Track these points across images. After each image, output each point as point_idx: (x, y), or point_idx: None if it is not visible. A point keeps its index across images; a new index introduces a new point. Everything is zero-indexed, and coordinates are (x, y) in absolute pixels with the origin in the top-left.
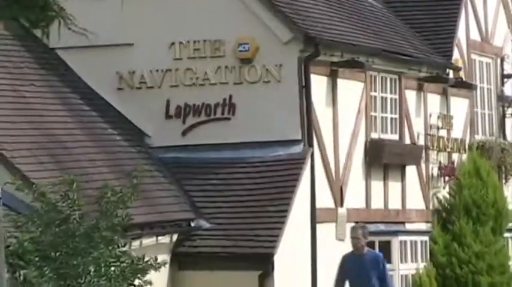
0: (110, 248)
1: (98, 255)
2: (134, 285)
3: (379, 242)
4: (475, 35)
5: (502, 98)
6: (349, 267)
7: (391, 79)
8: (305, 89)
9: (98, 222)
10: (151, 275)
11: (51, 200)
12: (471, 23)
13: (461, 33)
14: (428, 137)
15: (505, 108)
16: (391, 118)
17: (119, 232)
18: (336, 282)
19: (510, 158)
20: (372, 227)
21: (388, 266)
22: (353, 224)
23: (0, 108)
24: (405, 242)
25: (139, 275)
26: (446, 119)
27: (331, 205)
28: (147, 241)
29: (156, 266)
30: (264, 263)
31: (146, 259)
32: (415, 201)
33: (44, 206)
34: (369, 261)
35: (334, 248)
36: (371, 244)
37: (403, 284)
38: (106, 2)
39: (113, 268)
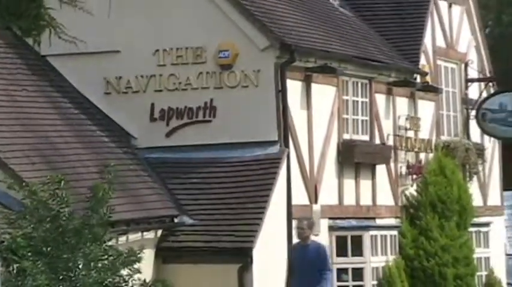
0: (98, 243)
1: (87, 250)
2: (122, 275)
3: (351, 236)
4: (440, 42)
5: (466, 101)
6: (296, 256)
7: (362, 84)
8: (281, 93)
9: (87, 219)
10: (137, 266)
11: (42, 198)
12: (437, 31)
13: (427, 40)
14: (397, 137)
15: (469, 111)
16: (362, 120)
17: (106, 228)
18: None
19: (474, 157)
20: (344, 223)
21: (359, 259)
22: (327, 220)
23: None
24: (376, 236)
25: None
26: (414, 120)
27: (306, 201)
28: (133, 237)
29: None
30: (243, 257)
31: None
32: (385, 198)
33: (35, 203)
34: (312, 251)
35: None
36: (343, 240)
37: (374, 276)
38: (94, 11)
39: (101, 262)
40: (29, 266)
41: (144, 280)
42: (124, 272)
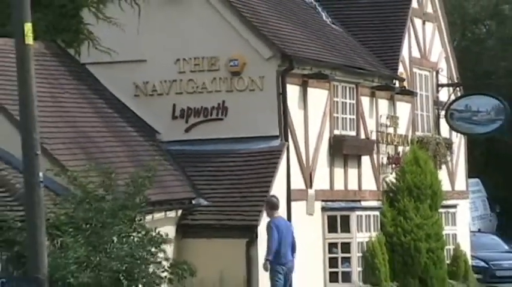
0: (129, 222)
1: (120, 228)
2: (150, 250)
3: (340, 216)
4: (415, 53)
5: (437, 102)
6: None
7: (349, 88)
8: (282, 95)
9: (123, 201)
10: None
11: (82, 183)
12: (413, 44)
13: (405, 52)
14: (379, 133)
15: (439, 111)
16: (350, 118)
17: (139, 209)
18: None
19: (443, 150)
20: (334, 205)
21: (347, 235)
22: (320, 202)
23: (41, 111)
24: (361, 216)
25: (157, 246)
26: (393, 119)
27: (303, 186)
28: (158, 216)
29: (167, 240)
30: (249, 233)
31: (160, 232)
32: (369, 184)
33: (76, 188)
34: None
35: (305, 220)
36: (333, 219)
37: (359, 249)
38: (125, 26)
39: (131, 238)
40: (70, 241)
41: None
42: (152, 248)
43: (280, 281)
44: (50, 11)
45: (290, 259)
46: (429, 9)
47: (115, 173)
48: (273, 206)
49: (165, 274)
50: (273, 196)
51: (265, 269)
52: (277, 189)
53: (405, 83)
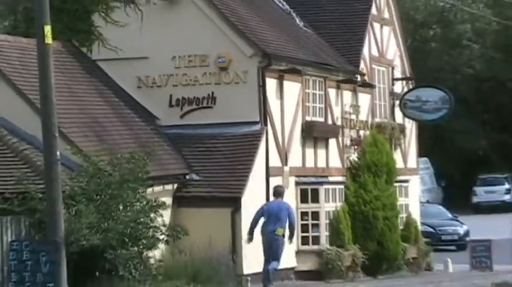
0: (133, 193)
1: (125, 198)
2: (150, 216)
3: (311, 189)
4: (374, 52)
5: (392, 94)
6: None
7: (319, 81)
8: (262, 87)
9: (127, 176)
10: (161, 212)
11: (94, 161)
12: (372, 44)
13: (365, 51)
14: (344, 119)
15: (394, 101)
16: (319, 107)
17: (141, 182)
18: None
19: (397, 134)
20: (306, 179)
21: (316, 205)
22: (294, 177)
23: (59, 100)
24: (328, 189)
25: (154, 211)
26: (355, 107)
27: (279, 164)
28: (157, 189)
29: (165, 207)
30: (234, 203)
31: (159, 201)
32: (335, 162)
33: (88, 165)
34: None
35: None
36: (305, 191)
37: (327, 217)
38: (130, 28)
39: (134, 206)
40: (83, 209)
41: (167, 224)
42: (152, 215)
43: (264, 247)
44: (65, 16)
45: (271, 231)
46: (386, 15)
47: (120, 152)
48: (274, 193)
49: (163, 236)
50: (281, 186)
51: (247, 241)
52: (258, 166)
53: (365, 77)
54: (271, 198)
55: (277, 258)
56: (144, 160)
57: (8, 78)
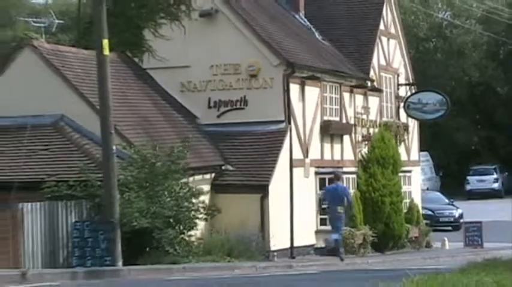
0: (176, 182)
1: (169, 186)
2: (192, 202)
3: (328, 178)
4: (382, 61)
5: (397, 97)
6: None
7: (335, 86)
8: (286, 92)
9: (171, 167)
10: (202, 198)
11: (143, 154)
12: (380, 54)
13: (375, 60)
14: (356, 119)
15: (399, 103)
16: (335, 108)
17: (183, 173)
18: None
19: (402, 131)
20: (324, 170)
21: None
22: (314, 168)
23: (114, 102)
24: (344, 177)
25: (197, 198)
26: (366, 109)
27: (301, 157)
28: (198, 177)
29: (203, 192)
30: (263, 190)
31: (199, 188)
32: (348, 155)
33: (138, 157)
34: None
35: (302, 181)
36: (323, 180)
37: None
38: (174, 41)
39: (178, 193)
40: (134, 195)
41: (204, 202)
42: (193, 200)
43: (331, 223)
44: (120, 31)
45: (334, 209)
46: (392, 30)
47: (165, 146)
48: (334, 177)
49: (202, 215)
50: (339, 171)
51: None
52: (283, 159)
53: (375, 83)
54: (336, 182)
55: (339, 230)
56: (184, 152)
57: (72, 84)
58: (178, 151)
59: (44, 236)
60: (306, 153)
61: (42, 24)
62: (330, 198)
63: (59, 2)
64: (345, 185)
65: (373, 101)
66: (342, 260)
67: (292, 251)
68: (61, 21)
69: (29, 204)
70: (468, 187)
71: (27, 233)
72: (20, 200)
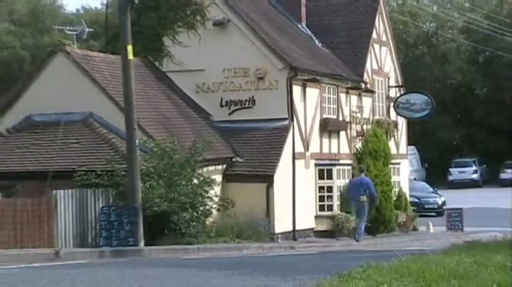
0: (192, 172)
1: (186, 175)
2: (205, 189)
3: (326, 169)
4: (375, 66)
5: (388, 97)
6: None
7: (332, 88)
8: (289, 92)
9: (188, 159)
10: (213, 187)
11: (162, 147)
12: (373, 60)
13: (368, 65)
14: (351, 117)
15: (390, 103)
16: (333, 107)
17: (197, 163)
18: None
19: (392, 127)
20: (323, 162)
21: (330, 181)
22: (314, 160)
23: (137, 101)
24: (339, 169)
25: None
26: (360, 108)
27: (302, 150)
28: (211, 168)
29: (215, 183)
30: (268, 179)
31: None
32: (344, 149)
33: (158, 150)
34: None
35: (303, 172)
36: (322, 171)
37: (338, 190)
38: (190, 47)
39: (193, 181)
40: (155, 183)
41: (218, 195)
42: (206, 188)
43: (353, 209)
44: (143, 38)
45: (357, 198)
46: (384, 39)
47: (182, 140)
48: (359, 170)
49: (215, 205)
50: (362, 164)
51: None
52: (286, 152)
53: (368, 85)
54: (360, 174)
55: (362, 218)
56: (202, 147)
57: (100, 85)
58: (198, 148)
59: (74, 219)
60: (306, 147)
61: (74, 32)
62: (354, 188)
63: (89, 12)
64: (368, 178)
65: (367, 101)
66: (356, 240)
67: (294, 234)
68: (91, 30)
69: (62, 191)
70: (450, 178)
71: (60, 217)
72: (54, 187)
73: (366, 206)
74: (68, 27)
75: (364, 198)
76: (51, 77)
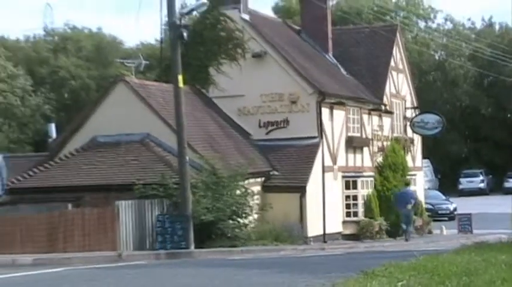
0: (235, 185)
1: (230, 188)
2: (247, 199)
3: (351, 180)
4: (393, 90)
5: (405, 117)
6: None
7: (356, 109)
8: (319, 114)
9: (232, 174)
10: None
11: (210, 163)
12: (391, 84)
13: (387, 89)
14: (373, 134)
15: (407, 122)
16: (356, 126)
17: (241, 178)
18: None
19: (409, 144)
20: (349, 174)
21: (355, 190)
22: (341, 172)
23: (187, 124)
24: (363, 180)
25: (250, 197)
26: (380, 127)
27: (331, 164)
28: (252, 180)
29: (254, 194)
30: (301, 190)
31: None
32: (367, 162)
33: (206, 165)
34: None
35: (332, 183)
36: (348, 182)
37: (362, 199)
38: (232, 76)
39: (236, 193)
40: (203, 195)
41: (258, 204)
42: (248, 198)
43: (403, 218)
44: (191, 69)
45: (404, 207)
46: (400, 66)
47: (226, 157)
48: (405, 183)
49: (255, 212)
50: (408, 179)
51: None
52: (316, 165)
53: (387, 107)
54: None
55: (409, 223)
56: (247, 166)
57: (155, 110)
58: (244, 165)
59: (134, 226)
60: (334, 161)
61: (132, 65)
62: (402, 198)
63: (146, 47)
64: (411, 189)
65: (386, 120)
66: (406, 240)
67: (324, 237)
68: (147, 62)
69: (123, 202)
70: (460, 187)
71: (122, 224)
72: (116, 198)
73: (412, 212)
74: (127, 61)
75: (410, 206)
76: (113, 104)
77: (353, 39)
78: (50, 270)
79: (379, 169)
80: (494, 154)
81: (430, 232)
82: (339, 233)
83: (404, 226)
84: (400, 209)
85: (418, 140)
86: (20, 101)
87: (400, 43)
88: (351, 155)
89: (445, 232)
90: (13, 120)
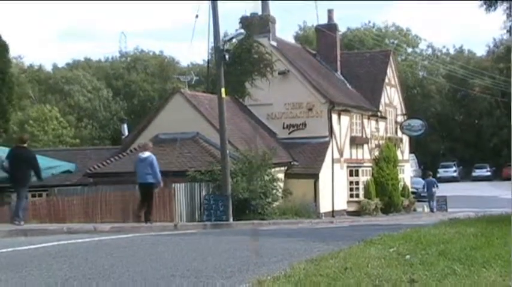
0: (264, 171)
1: (260, 174)
2: (274, 184)
3: (354, 169)
4: (386, 100)
5: (396, 122)
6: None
7: (358, 115)
8: (329, 119)
9: (262, 163)
10: (280, 183)
11: (245, 155)
12: (385, 96)
13: (382, 100)
14: (371, 135)
15: (398, 125)
16: (358, 129)
17: (268, 166)
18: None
19: (399, 142)
20: (352, 165)
21: (357, 177)
22: (346, 163)
23: (228, 125)
24: (363, 169)
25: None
26: (377, 129)
27: (338, 157)
28: (277, 169)
29: (279, 180)
30: (315, 177)
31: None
32: (367, 156)
33: (242, 157)
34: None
35: (339, 171)
36: (351, 171)
37: (363, 183)
38: (263, 88)
39: (265, 178)
40: (239, 179)
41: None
42: (274, 183)
43: (429, 197)
44: (232, 83)
45: (430, 190)
46: (393, 82)
47: (258, 151)
48: (427, 173)
49: (280, 194)
50: (429, 172)
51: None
52: (327, 158)
53: (382, 114)
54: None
55: (433, 200)
56: (271, 156)
57: (203, 114)
58: (269, 155)
59: (186, 203)
60: (341, 154)
61: (186, 80)
62: (429, 184)
63: (196, 66)
64: (432, 178)
65: (381, 124)
66: (432, 211)
67: (333, 213)
68: (197, 78)
69: (178, 184)
70: (438, 175)
71: (177, 201)
72: (173, 182)
73: (435, 193)
74: (182, 76)
75: (434, 190)
76: (171, 110)
77: (357, 61)
78: (123, 235)
79: (376, 161)
80: (465, 151)
81: (414, 210)
82: (344, 210)
83: (430, 203)
84: (428, 191)
85: (406, 139)
86: (102, 107)
87: (392, 64)
88: (354, 150)
89: (426, 210)
90: (96, 122)
